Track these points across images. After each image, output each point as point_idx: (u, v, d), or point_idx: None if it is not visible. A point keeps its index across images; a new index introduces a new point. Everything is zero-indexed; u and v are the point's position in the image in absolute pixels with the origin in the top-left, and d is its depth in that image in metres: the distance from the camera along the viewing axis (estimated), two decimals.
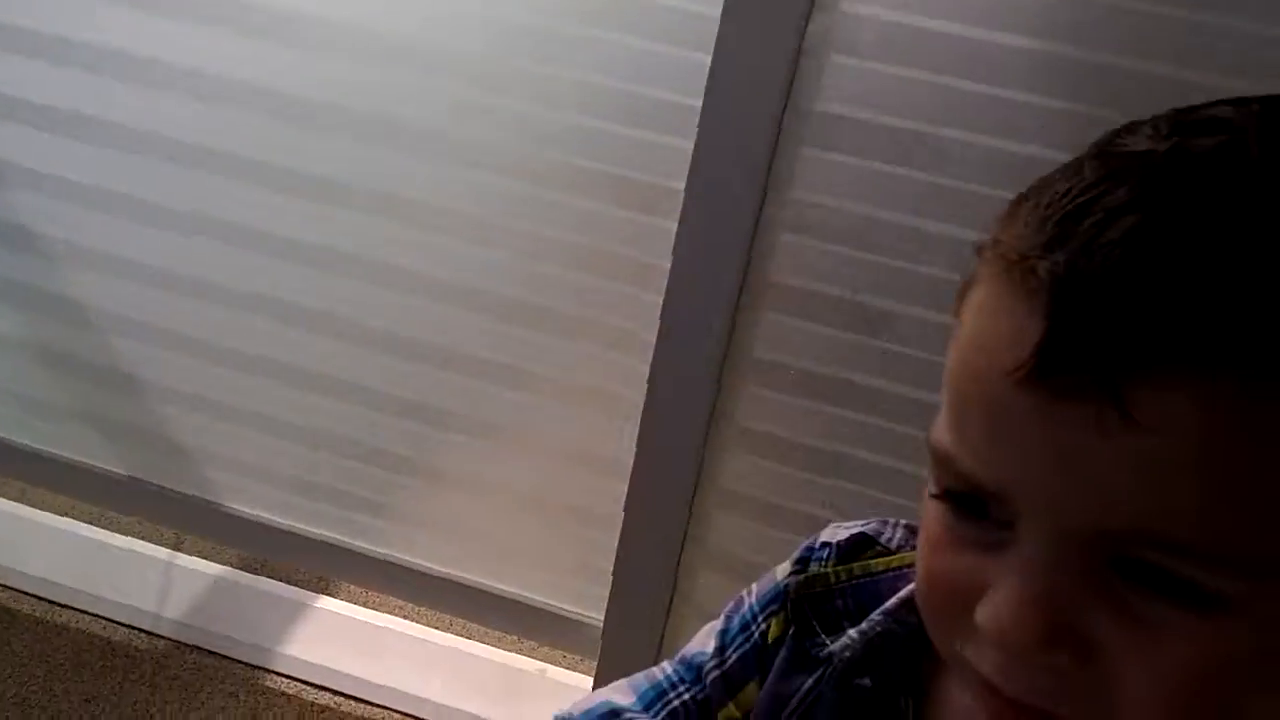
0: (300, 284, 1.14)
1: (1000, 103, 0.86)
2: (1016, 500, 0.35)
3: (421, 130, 1.03)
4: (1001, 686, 0.36)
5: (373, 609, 1.40)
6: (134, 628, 1.34)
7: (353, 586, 1.42)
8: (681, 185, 0.95)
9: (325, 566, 1.35)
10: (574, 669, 1.35)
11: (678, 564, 1.14)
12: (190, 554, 1.43)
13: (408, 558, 1.27)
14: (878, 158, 0.91)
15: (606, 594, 1.19)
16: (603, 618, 1.20)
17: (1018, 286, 0.34)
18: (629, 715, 0.57)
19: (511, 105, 0.99)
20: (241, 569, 1.43)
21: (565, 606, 1.24)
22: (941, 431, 0.37)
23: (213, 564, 1.42)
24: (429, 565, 1.27)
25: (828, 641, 0.52)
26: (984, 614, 0.35)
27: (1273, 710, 0.35)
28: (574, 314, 1.07)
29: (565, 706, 0.59)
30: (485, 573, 1.26)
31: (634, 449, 1.09)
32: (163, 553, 1.42)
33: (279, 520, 1.30)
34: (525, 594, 1.25)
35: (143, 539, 1.43)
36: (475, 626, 1.37)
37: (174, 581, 1.38)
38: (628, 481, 1.11)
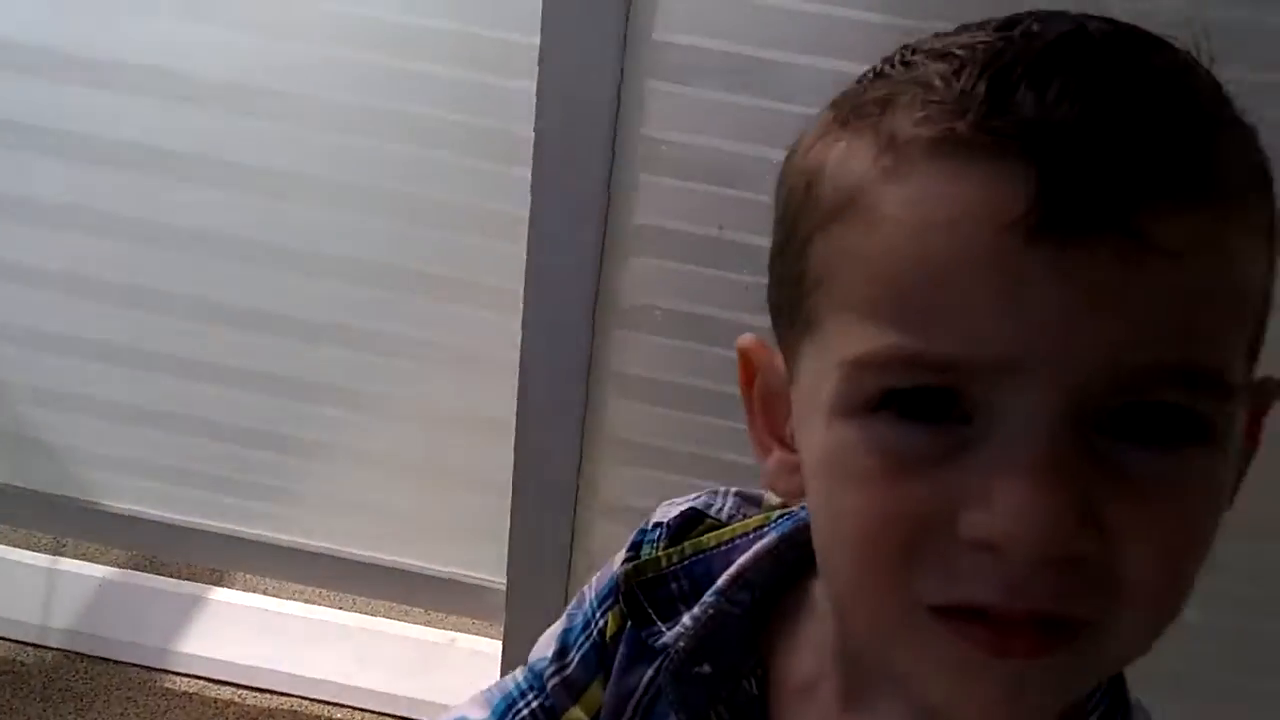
0: (160, 267, 1.09)
1: (844, 24, 0.84)
2: (1017, 371, 0.32)
3: (271, 93, 0.97)
4: (1009, 607, 0.33)
5: (271, 596, 1.36)
6: (18, 642, 1.28)
7: (248, 575, 1.38)
8: (530, 130, 0.92)
9: (216, 557, 1.31)
10: (483, 634, 1.32)
11: (573, 519, 1.12)
12: (72, 558, 1.37)
13: (301, 539, 1.23)
14: (725, 88, 0.88)
15: (506, 556, 1.16)
16: (505, 581, 1.18)
17: (973, 152, 0.32)
18: None
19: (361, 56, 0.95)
20: (129, 569, 1.37)
21: (467, 573, 1.22)
22: (885, 339, 0.34)
23: (97, 566, 1.36)
24: (324, 545, 1.23)
25: (664, 630, 0.49)
26: (981, 524, 0.32)
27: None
28: (442, 275, 1.04)
29: None
30: (382, 547, 1.23)
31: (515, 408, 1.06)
32: (43, 559, 1.36)
33: (162, 515, 1.24)
34: (425, 565, 1.22)
35: (19, 547, 1.37)
36: (379, 603, 1.34)
37: (57, 589, 1.32)
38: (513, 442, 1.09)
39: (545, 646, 0.56)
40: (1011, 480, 0.32)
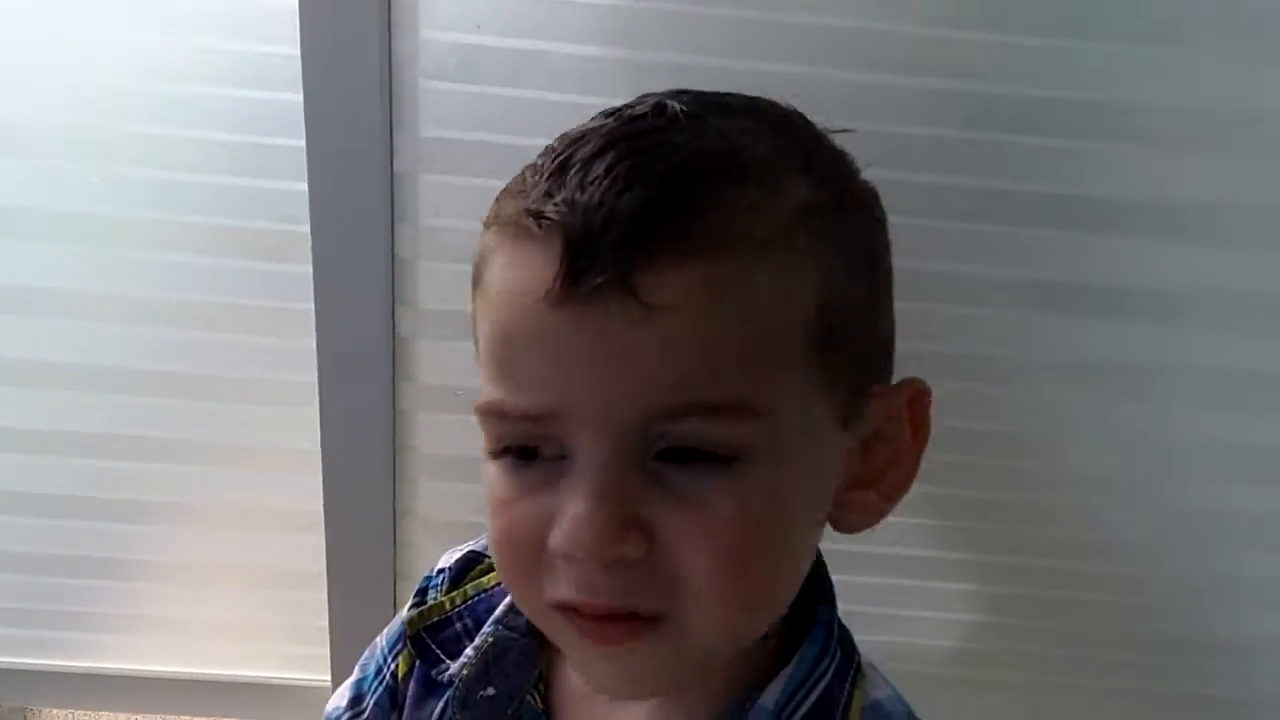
0: None
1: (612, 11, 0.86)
2: (569, 417, 0.39)
3: (29, 209, 0.96)
4: (585, 601, 0.40)
5: None
6: None
7: (55, 710, 1.31)
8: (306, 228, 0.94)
9: (18, 694, 1.24)
10: None
11: (393, 603, 1.13)
12: None
13: (108, 664, 1.19)
14: (497, 82, 0.89)
15: (328, 653, 1.15)
16: (330, 678, 1.17)
17: (534, 235, 0.39)
18: None
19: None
20: None
21: (290, 675, 1.20)
22: (487, 394, 0.42)
23: None
24: (133, 668, 1.19)
25: (448, 665, 0.54)
26: (556, 536, 0.40)
27: (807, 548, 0.43)
28: (230, 375, 1.04)
29: None
30: (197, 661, 1.19)
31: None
32: None
33: None
34: (245, 673, 1.20)
35: None
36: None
37: None
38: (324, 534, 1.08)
39: (340, 698, 0.59)
40: (572, 501, 0.39)
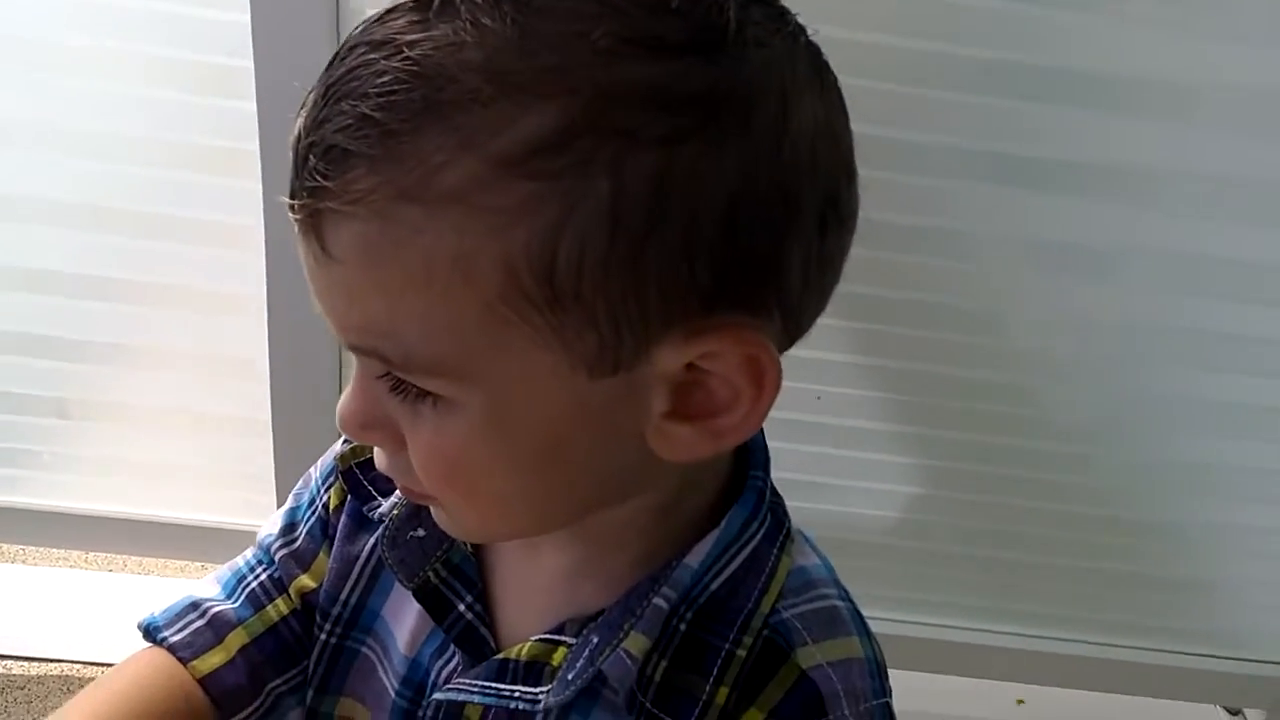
0: None
1: None
2: None
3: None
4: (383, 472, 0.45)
5: (31, 565, 1.31)
6: None
7: (6, 545, 1.32)
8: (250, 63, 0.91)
9: None
10: None
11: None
12: None
13: (57, 503, 1.19)
14: None
15: (274, 500, 1.16)
16: None
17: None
18: (208, 603, 0.57)
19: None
20: None
21: (236, 521, 1.21)
22: None
23: None
24: (82, 506, 1.19)
25: (380, 502, 0.54)
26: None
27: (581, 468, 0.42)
28: (182, 217, 1.01)
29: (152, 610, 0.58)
30: (148, 503, 1.20)
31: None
32: None
33: None
34: (193, 517, 1.20)
35: None
36: (149, 560, 1.31)
37: None
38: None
39: (272, 526, 0.59)
40: None
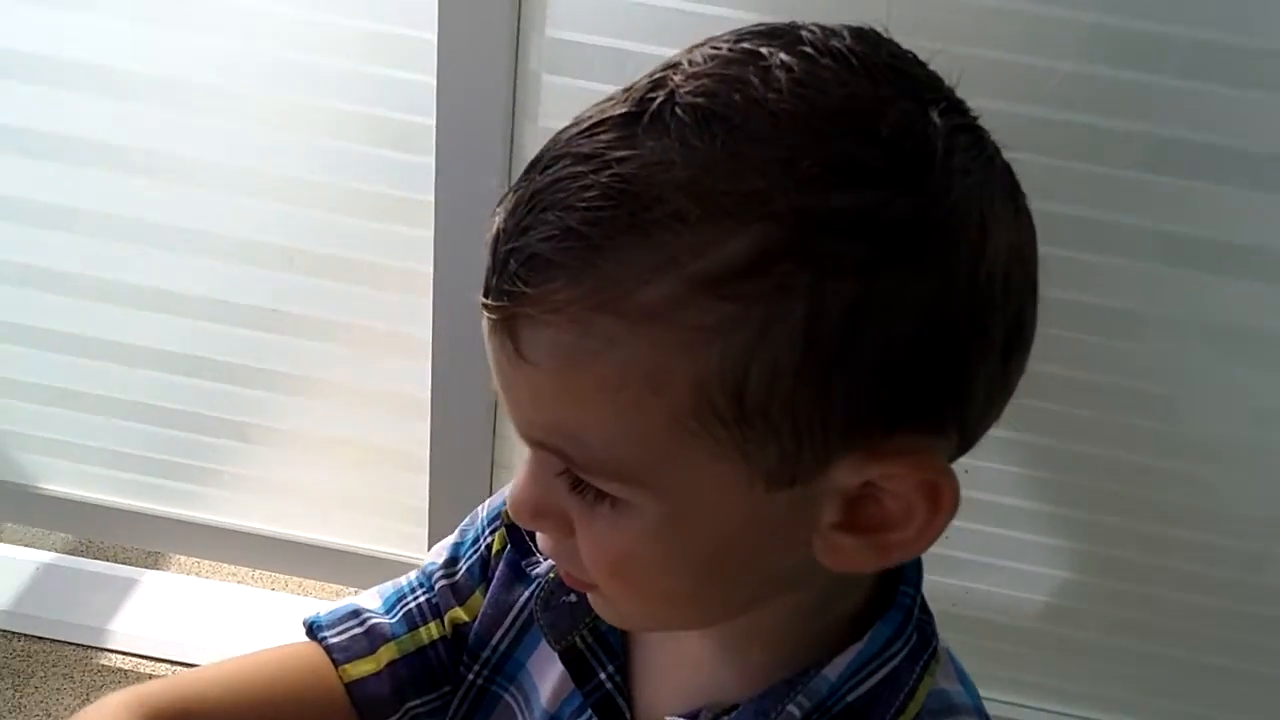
0: (86, 254, 1.12)
1: (729, 22, 0.88)
2: None
3: (184, 84, 1.01)
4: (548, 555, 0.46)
5: (205, 578, 1.40)
6: None
7: (183, 558, 1.42)
8: (432, 120, 0.96)
9: (151, 540, 1.34)
10: None
11: (489, 493, 1.16)
12: (10, 543, 1.40)
13: (233, 521, 1.27)
14: (616, 82, 0.92)
15: (426, 533, 1.21)
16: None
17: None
18: (368, 614, 0.60)
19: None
20: (66, 553, 1.41)
21: (391, 551, 1.26)
22: None
23: (36, 550, 1.39)
24: (253, 526, 1.27)
25: (540, 559, 0.56)
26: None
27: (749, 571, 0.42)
28: (354, 258, 1.08)
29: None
30: (308, 527, 1.27)
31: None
32: None
33: (97, 498, 1.28)
34: (350, 544, 1.26)
35: None
36: (309, 582, 1.38)
37: None
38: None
39: (438, 555, 0.62)
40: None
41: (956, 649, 0.50)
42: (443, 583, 0.60)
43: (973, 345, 0.38)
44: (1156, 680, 1.13)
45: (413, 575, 0.63)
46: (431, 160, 0.98)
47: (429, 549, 1.19)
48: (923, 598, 0.48)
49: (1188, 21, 0.83)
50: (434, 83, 0.94)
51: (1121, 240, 0.92)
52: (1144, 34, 0.84)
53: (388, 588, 0.62)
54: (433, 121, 0.96)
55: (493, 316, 0.38)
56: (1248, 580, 1.05)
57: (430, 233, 1.02)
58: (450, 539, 0.62)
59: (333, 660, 0.58)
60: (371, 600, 0.61)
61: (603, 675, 0.52)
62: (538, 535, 0.46)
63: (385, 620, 0.60)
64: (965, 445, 0.42)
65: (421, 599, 0.61)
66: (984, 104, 0.40)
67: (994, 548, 1.09)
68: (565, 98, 0.95)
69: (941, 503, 0.38)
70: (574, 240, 0.35)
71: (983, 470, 1.04)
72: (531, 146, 0.97)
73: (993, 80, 0.85)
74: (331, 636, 0.59)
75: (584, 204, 0.35)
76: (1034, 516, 1.07)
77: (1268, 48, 0.83)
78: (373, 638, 0.59)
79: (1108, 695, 1.16)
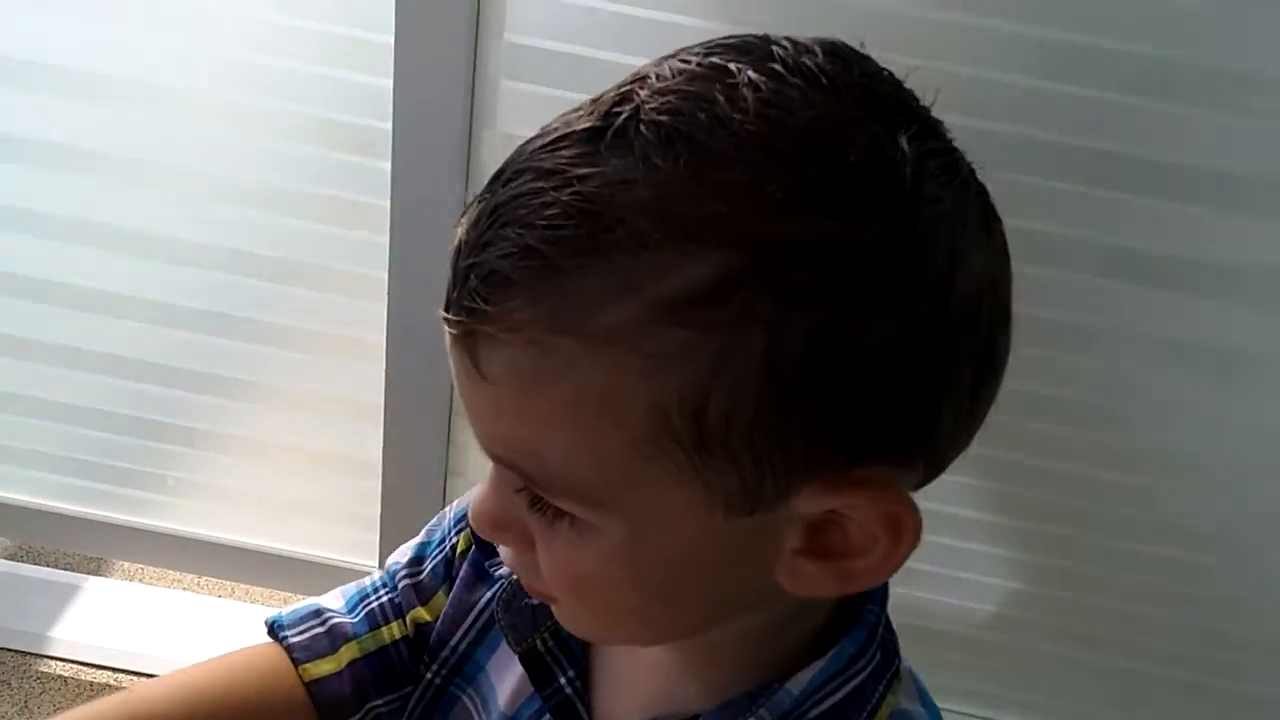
0: (37, 257, 1.09)
1: (688, 31, 0.88)
2: None
3: (141, 85, 0.99)
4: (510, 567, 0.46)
5: (149, 584, 1.37)
6: None
7: (126, 564, 1.39)
8: (389, 125, 0.95)
9: (95, 546, 1.31)
10: None
11: (443, 500, 1.16)
12: None
13: (177, 527, 1.25)
14: (578, 89, 0.92)
15: (378, 540, 1.19)
16: (378, 565, 1.21)
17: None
18: (330, 614, 0.60)
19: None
20: (5, 558, 1.38)
21: (341, 558, 1.24)
22: None
23: None
24: (199, 532, 1.25)
25: (502, 562, 0.55)
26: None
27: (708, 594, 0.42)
28: (307, 262, 1.06)
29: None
30: (256, 533, 1.25)
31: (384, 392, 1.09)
32: None
33: (38, 502, 1.25)
34: (299, 550, 1.25)
35: None
36: (255, 589, 1.36)
37: None
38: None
39: (402, 554, 0.62)
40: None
41: (913, 661, 0.50)
42: (406, 582, 0.60)
43: (939, 376, 0.37)
44: (1112, 693, 1.15)
45: (376, 575, 0.62)
46: (387, 165, 0.97)
47: (380, 556, 1.19)
48: (888, 616, 0.48)
49: (1154, 40, 0.84)
50: (391, 86, 0.93)
51: (1066, 254, 0.93)
52: (1095, 50, 0.85)
53: (351, 588, 0.62)
54: (389, 126, 0.95)
55: (453, 331, 0.37)
56: (1200, 594, 1.07)
57: (385, 238, 1.01)
58: (415, 539, 0.62)
59: (293, 660, 0.57)
60: (334, 600, 0.61)
61: (563, 680, 0.52)
62: (500, 550, 0.46)
63: (347, 620, 0.59)
64: (932, 474, 0.41)
65: (384, 598, 0.61)
66: (957, 121, 0.39)
67: (940, 557, 1.10)
68: (524, 103, 0.94)
69: (903, 535, 0.38)
70: (534, 259, 0.35)
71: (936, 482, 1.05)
72: (489, 152, 0.96)
73: (959, 97, 0.86)
74: (293, 636, 0.58)
75: (544, 222, 0.35)
76: (985, 527, 1.08)
77: (1221, 67, 0.84)
78: (334, 637, 0.58)
79: (1065, 708, 1.17)
